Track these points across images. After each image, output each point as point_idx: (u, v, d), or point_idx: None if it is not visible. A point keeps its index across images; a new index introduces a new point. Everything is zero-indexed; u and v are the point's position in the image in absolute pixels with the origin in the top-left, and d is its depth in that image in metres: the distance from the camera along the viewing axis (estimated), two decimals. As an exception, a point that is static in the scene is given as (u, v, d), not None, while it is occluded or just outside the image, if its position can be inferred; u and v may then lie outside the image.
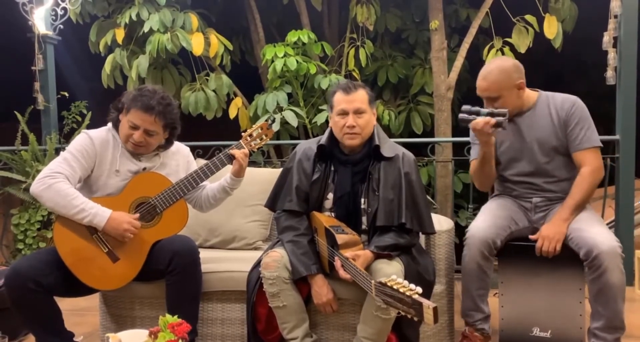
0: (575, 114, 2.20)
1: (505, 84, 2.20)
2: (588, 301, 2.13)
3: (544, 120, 2.24)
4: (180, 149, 2.37)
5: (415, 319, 1.57)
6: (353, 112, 2.07)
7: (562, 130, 2.22)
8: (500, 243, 2.21)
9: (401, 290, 1.61)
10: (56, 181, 2.05)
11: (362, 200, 2.09)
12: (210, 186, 2.35)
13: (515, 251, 2.28)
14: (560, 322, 2.22)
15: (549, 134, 2.23)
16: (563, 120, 2.21)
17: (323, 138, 2.20)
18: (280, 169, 2.31)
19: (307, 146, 2.22)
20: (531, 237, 2.19)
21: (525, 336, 2.25)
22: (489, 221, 2.24)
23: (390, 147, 2.14)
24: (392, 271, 1.91)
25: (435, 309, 1.52)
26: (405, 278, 1.99)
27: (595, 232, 2.06)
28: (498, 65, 2.23)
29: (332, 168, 2.15)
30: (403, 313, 1.61)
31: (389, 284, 1.65)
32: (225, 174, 2.30)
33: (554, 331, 2.23)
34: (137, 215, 2.14)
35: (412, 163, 2.13)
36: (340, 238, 1.94)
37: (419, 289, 1.58)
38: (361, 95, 2.09)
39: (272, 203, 2.25)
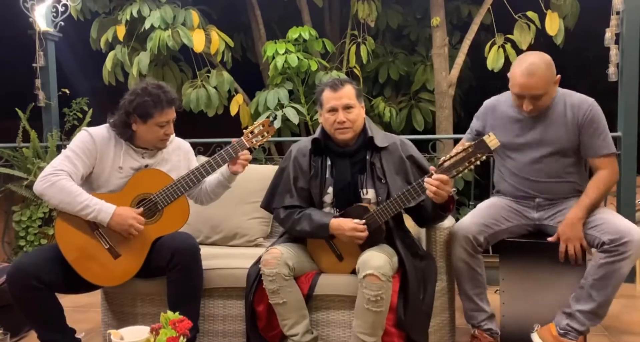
0: (593, 120, 2.15)
1: (550, 79, 2.12)
2: (580, 285, 2.10)
3: (559, 120, 2.18)
4: (181, 145, 2.37)
5: (484, 157, 1.89)
6: (342, 108, 2.10)
7: (574, 133, 2.18)
8: (483, 240, 2.22)
9: (460, 150, 1.91)
10: (59, 178, 2.05)
11: (365, 190, 2.12)
12: (209, 180, 2.36)
13: (516, 247, 2.29)
14: None
15: (560, 135, 2.18)
16: (578, 124, 2.16)
17: (316, 134, 2.22)
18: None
19: (302, 145, 2.24)
20: (550, 239, 2.18)
21: (527, 333, 2.25)
22: (470, 218, 2.27)
23: (383, 137, 2.18)
24: (378, 263, 1.94)
25: (493, 134, 1.89)
26: (410, 279, 2.03)
27: (625, 221, 2.09)
28: (542, 59, 2.11)
29: (329, 162, 2.17)
30: (473, 164, 1.90)
31: (444, 163, 1.92)
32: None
33: None
34: (141, 210, 2.14)
35: (411, 146, 2.20)
36: (365, 204, 2.09)
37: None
38: (348, 91, 2.12)
39: (268, 203, 2.26)
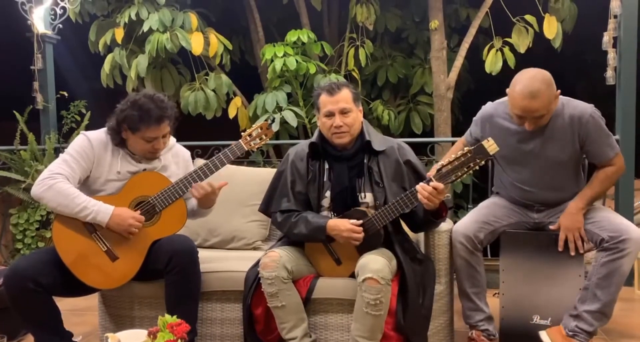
0: (595, 129, 2.13)
1: (551, 99, 2.06)
2: (584, 286, 2.15)
3: (558, 134, 2.15)
4: (181, 152, 2.37)
5: (483, 163, 1.89)
6: (339, 113, 2.09)
7: (574, 147, 2.16)
8: (483, 237, 2.24)
9: (459, 156, 1.89)
10: (56, 182, 2.05)
11: (363, 194, 2.11)
12: (191, 202, 2.32)
13: (515, 238, 2.31)
14: (560, 310, 2.23)
15: (560, 148, 2.17)
16: (580, 138, 2.14)
17: (313, 137, 2.22)
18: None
19: (299, 148, 2.24)
20: (551, 227, 2.22)
21: (526, 324, 2.27)
22: (470, 217, 2.31)
23: (381, 140, 2.18)
24: (377, 267, 1.93)
25: (492, 139, 1.89)
26: (409, 283, 2.03)
27: (624, 220, 2.14)
28: (542, 80, 2.04)
29: (327, 166, 2.17)
30: (472, 169, 1.90)
31: (442, 169, 1.92)
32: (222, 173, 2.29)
33: (554, 318, 2.25)
34: (139, 211, 2.14)
35: (409, 151, 2.19)
36: (363, 208, 2.09)
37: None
38: (345, 95, 2.11)
39: (266, 207, 2.26)
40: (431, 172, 1.97)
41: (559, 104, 2.15)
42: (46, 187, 2.05)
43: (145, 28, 4.20)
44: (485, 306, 2.29)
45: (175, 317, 1.66)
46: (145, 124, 2.08)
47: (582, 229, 2.16)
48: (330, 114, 2.11)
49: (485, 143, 1.89)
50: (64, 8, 4.27)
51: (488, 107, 2.34)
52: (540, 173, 2.23)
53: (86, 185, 2.18)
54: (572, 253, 2.18)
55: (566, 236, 2.18)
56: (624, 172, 2.28)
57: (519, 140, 2.21)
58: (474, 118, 2.40)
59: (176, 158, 2.32)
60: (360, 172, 2.13)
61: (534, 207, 2.31)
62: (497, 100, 2.33)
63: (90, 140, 2.17)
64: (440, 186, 1.91)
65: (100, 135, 2.20)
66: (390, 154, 2.14)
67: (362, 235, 2.02)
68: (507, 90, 2.14)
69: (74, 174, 2.11)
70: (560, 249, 2.19)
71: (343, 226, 2.03)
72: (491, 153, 1.88)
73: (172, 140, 2.33)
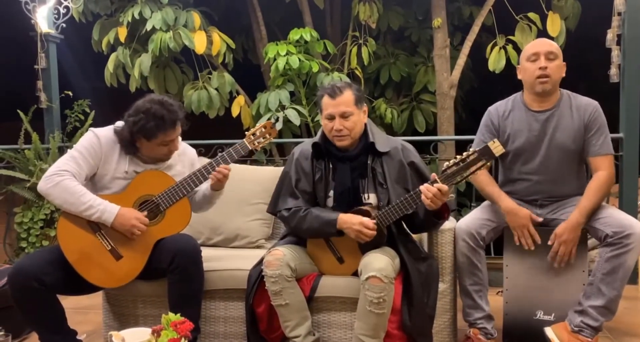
0: (597, 120, 2.23)
1: (561, 55, 2.24)
2: (589, 282, 2.16)
3: (565, 122, 2.25)
4: (187, 150, 2.37)
5: (489, 163, 1.89)
6: (339, 116, 2.08)
7: (580, 135, 2.24)
8: (485, 234, 2.26)
9: (464, 157, 1.89)
10: (63, 178, 2.06)
11: (366, 195, 2.11)
12: (202, 190, 2.35)
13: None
14: (564, 305, 2.24)
15: (567, 137, 2.24)
16: (584, 124, 2.23)
17: (316, 137, 2.22)
18: (282, 168, 2.31)
19: (304, 147, 2.23)
20: (550, 243, 2.21)
21: (529, 320, 2.28)
22: (474, 214, 2.34)
23: (385, 141, 2.17)
24: (380, 265, 1.94)
25: (497, 140, 1.89)
26: (413, 283, 2.03)
27: (627, 216, 2.17)
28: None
29: (331, 165, 2.16)
30: (478, 170, 1.89)
31: (447, 170, 1.90)
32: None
33: (557, 314, 2.26)
34: (145, 212, 2.15)
35: (413, 152, 2.18)
36: (367, 208, 2.07)
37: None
38: (347, 98, 2.09)
39: (274, 207, 2.26)
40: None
41: (564, 95, 2.27)
42: (53, 183, 2.05)
43: (148, 27, 4.20)
44: (486, 305, 2.29)
45: (179, 315, 1.66)
46: (163, 131, 2.11)
47: (576, 244, 2.18)
48: (331, 117, 2.10)
49: (491, 144, 1.89)
50: (67, 7, 4.28)
51: (494, 108, 2.39)
52: (548, 162, 2.27)
53: (92, 182, 2.19)
54: (556, 265, 2.21)
55: (559, 248, 2.19)
56: (624, 172, 2.29)
57: (533, 129, 2.27)
58: (482, 126, 2.40)
59: (182, 156, 2.33)
60: (363, 173, 2.13)
61: (537, 201, 2.32)
62: (498, 102, 2.39)
63: (99, 138, 2.17)
64: (445, 187, 1.91)
65: (108, 133, 2.20)
66: (394, 155, 2.14)
67: (373, 233, 2.01)
68: (518, 66, 2.34)
69: (80, 171, 2.12)
70: (550, 258, 2.21)
71: (355, 219, 2.03)
72: (496, 154, 1.88)
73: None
